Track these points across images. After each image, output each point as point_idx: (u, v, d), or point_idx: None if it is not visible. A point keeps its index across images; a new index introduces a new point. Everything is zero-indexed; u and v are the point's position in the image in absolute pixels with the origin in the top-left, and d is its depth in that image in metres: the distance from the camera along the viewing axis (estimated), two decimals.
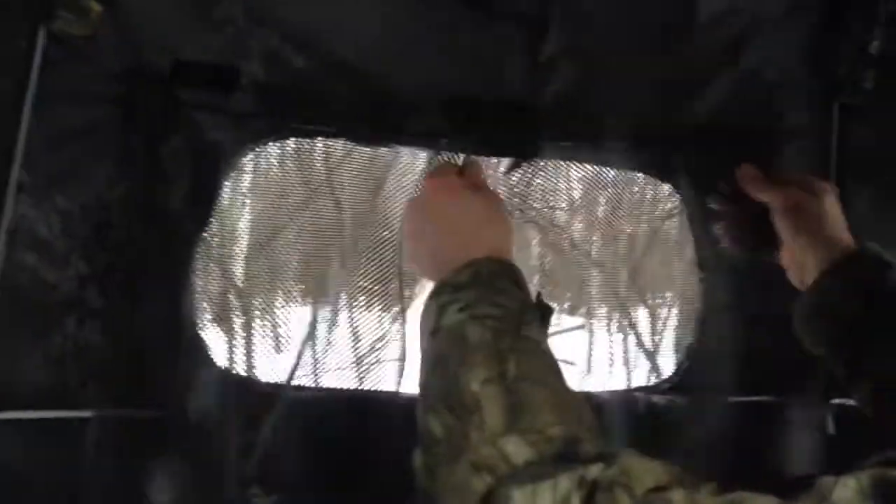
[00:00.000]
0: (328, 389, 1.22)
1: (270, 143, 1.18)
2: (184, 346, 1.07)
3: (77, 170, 1.02)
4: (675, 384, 1.36)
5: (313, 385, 1.14)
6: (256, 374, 1.13)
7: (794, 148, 1.23)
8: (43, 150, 0.99)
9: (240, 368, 1.10)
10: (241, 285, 1.15)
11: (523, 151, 1.29)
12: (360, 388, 1.25)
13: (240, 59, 1.05)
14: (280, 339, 1.20)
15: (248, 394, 1.10)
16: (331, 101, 1.12)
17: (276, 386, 1.12)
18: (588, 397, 1.25)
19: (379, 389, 1.27)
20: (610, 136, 1.22)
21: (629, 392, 1.34)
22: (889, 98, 1.20)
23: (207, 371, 1.09)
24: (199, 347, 1.08)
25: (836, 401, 1.28)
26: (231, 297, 1.17)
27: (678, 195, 1.41)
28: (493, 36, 1.13)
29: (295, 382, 1.13)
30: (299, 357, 1.19)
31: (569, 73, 1.15)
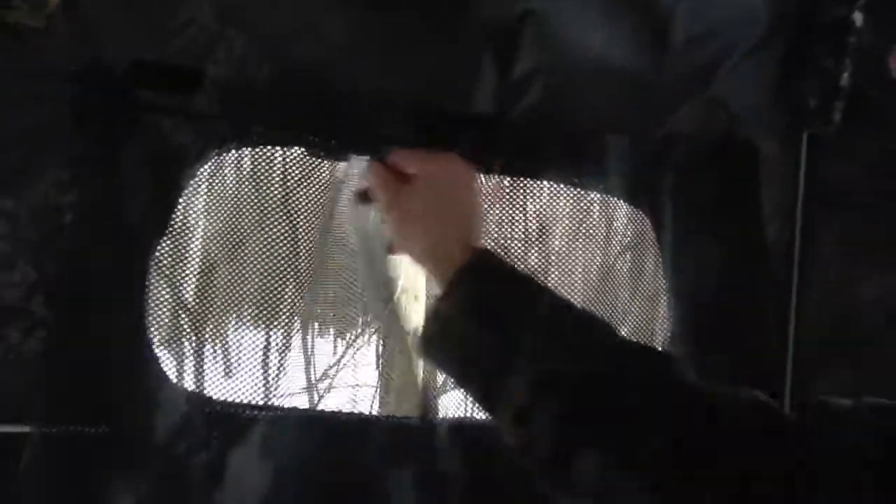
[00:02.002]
0: (285, 409, 1.18)
1: (229, 156, 1.14)
2: (136, 361, 1.02)
3: (26, 171, 0.97)
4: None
5: (269, 405, 1.10)
6: (208, 394, 1.09)
7: (762, 175, 1.23)
8: None
9: (192, 387, 1.06)
10: (192, 307, 1.10)
11: (489, 166, 1.28)
12: (318, 409, 1.21)
13: (203, 62, 1.02)
14: (231, 363, 1.16)
15: (202, 413, 1.05)
16: (294, 107, 1.09)
17: (230, 405, 1.07)
18: None
19: (339, 411, 1.24)
20: (578, 155, 1.21)
21: None
22: (857, 130, 1.21)
23: (160, 388, 1.04)
24: (152, 363, 1.03)
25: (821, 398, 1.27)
26: (182, 318, 1.12)
27: (646, 219, 1.40)
28: (462, 50, 1.12)
29: (248, 402, 1.09)
30: (254, 378, 1.15)
31: (539, 90, 1.14)
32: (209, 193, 1.12)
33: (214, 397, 1.09)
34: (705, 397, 0.88)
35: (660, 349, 0.95)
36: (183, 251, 1.08)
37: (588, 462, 0.86)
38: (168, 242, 1.05)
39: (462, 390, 1.02)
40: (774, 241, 1.23)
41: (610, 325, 0.99)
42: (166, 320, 1.08)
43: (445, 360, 1.00)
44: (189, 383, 1.09)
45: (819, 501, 0.76)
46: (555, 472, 0.91)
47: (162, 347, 1.07)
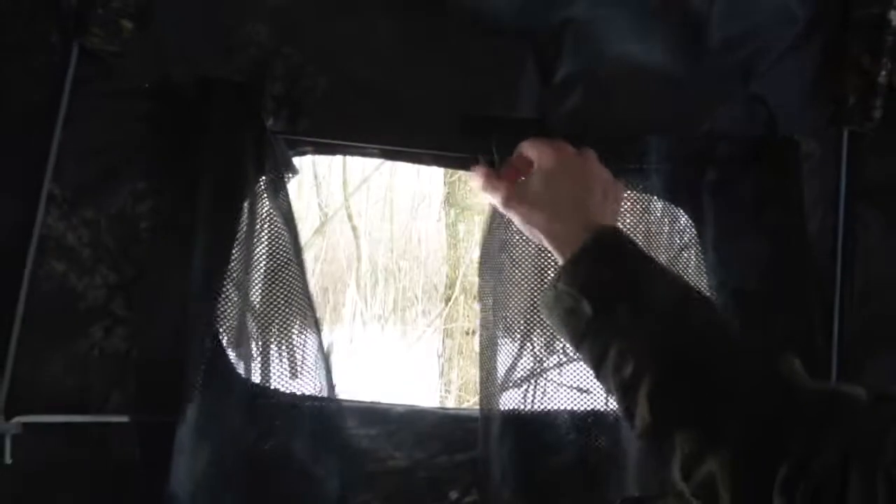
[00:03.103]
0: (345, 400, 1.24)
1: (290, 164, 1.20)
2: (207, 357, 1.09)
3: (105, 183, 1.05)
4: None
5: (329, 397, 1.16)
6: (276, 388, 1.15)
7: (804, 172, 1.24)
8: (73, 163, 1.03)
9: (261, 381, 1.12)
10: (258, 309, 1.17)
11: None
12: (378, 401, 1.27)
13: (263, 78, 1.08)
14: (295, 364, 1.22)
15: (270, 405, 1.12)
16: (350, 118, 1.15)
17: (296, 397, 1.13)
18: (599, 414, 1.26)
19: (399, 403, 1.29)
20: (621, 158, 1.24)
21: None
22: None
23: (230, 381, 1.11)
24: (222, 359, 1.10)
25: None
26: (249, 320, 1.19)
27: (689, 218, 1.42)
28: (505, 57, 1.16)
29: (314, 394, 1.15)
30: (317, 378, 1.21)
31: (579, 94, 1.17)
32: (272, 200, 1.18)
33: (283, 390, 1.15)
34: (806, 394, 0.89)
35: (775, 346, 0.95)
36: (249, 256, 1.13)
37: (681, 438, 0.89)
38: (236, 248, 1.11)
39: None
40: (817, 235, 1.24)
41: (720, 313, 1.00)
42: (235, 322, 1.14)
43: (558, 327, 1.05)
44: (256, 378, 1.15)
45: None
46: (652, 442, 0.95)
47: (231, 346, 1.14)
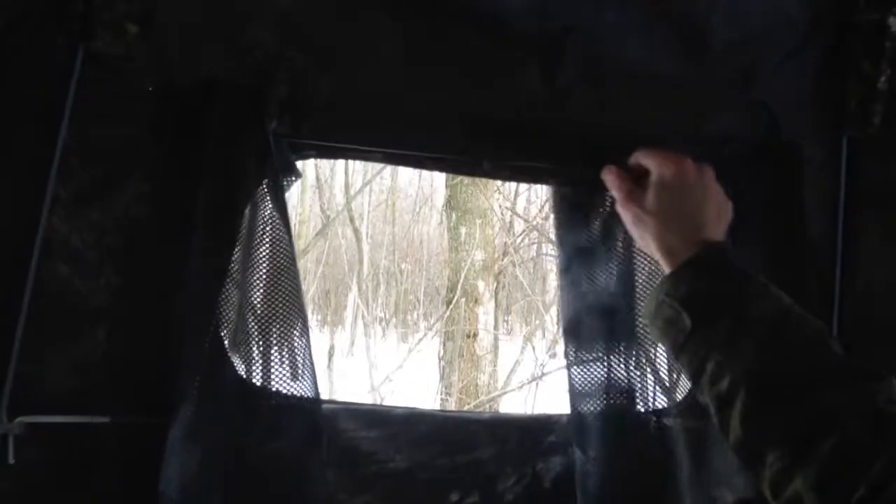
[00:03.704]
0: (349, 403, 1.24)
1: (293, 168, 1.20)
2: (210, 359, 1.10)
3: (110, 184, 1.05)
4: (687, 408, 1.36)
5: (332, 399, 1.16)
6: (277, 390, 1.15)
7: (805, 176, 1.25)
8: (77, 165, 1.03)
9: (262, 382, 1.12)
10: (259, 312, 1.17)
11: (539, 176, 1.31)
12: (380, 404, 1.27)
13: (267, 81, 1.09)
14: (297, 365, 1.22)
15: (271, 406, 1.12)
16: (354, 121, 1.15)
17: (295, 399, 1.14)
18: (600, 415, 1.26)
19: (402, 406, 1.29)
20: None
21: (641, 414, 1.35)
22: None
23: (233, 383, 1.11)
24: (225, 361, 1.10)
25: None
26: (249, 322, 1.20)
27: None
28: (509, 60, 1.16)
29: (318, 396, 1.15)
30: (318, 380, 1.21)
31: (583, 97, 1.17)
32: (274, 203, 1.18)
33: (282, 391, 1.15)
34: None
35: (875, 370, 0.96)
36: (250, 258, 1.14)
37: (772, 456, 0.90)
38: (238, 250, 1.11)
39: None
40: (817, 239, 1.24)
41: (821, 332, 1.01)
42: (234, 324, 1.14)
43: (657, 336, 1.08)
44: (257, 380, 1.15)
45: None
46: (743, 456, 0.97)
47: (233, 348, 1.14)
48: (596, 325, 1.24)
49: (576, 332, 1.24)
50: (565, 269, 1.25)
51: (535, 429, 1.25)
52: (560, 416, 1.26)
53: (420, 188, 10.73)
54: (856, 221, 1.23)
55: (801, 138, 1.21)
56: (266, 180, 1.10)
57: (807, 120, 1.22)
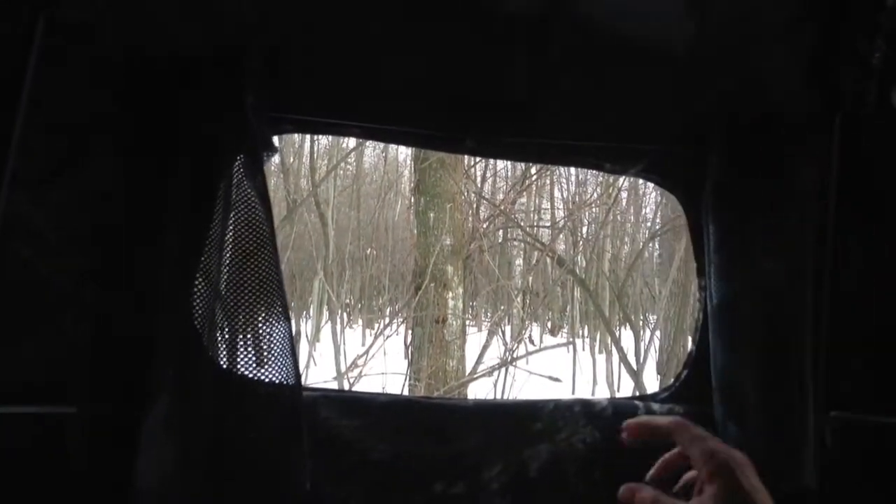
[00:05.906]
0: (328, 390, 1.20)
1: (270, 143, 1.16)
2: (180, 346, 1.05)
3: (74, 162, 0.99)
4: (674, 393, 1.35)
5: (307, 386, 1.12)
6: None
7: (796, 156, 1.23)
8: (39, 141, 0.97)
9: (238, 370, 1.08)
10: (236, 294, 1.13)
11: (523, 152, 1.28)
12: (351, 390, 1.23)
13: (243, 54, 1.04)
14: (262, 352, 1.18)
15: (248, 393, 1.08)
16: (331, 94, 1.11)
17: (273, 386, 1.09)
18: (586, 403, 1.24)
19: (374, 391, 1.25)
20: (611, 139, 1.21)
21: (629, 400, 1.33)
22: (891, 109, 1.20)
23: (204, 370, 1.06)
24: (196, 348, 1.05)
25: (835, 413, 1.26)
26: (227, 305, 1.15)
27: (677, 200, 1.41)
28: (495, 38, 1.13)
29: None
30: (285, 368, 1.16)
31: (572, 75, 1.14)
32: (250, 180, 1.13)
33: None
34: None
35: None
36: (219, 243, 1.09)
37: None
38: (212, 227, 1.06)
39: None
40: (810, 220, 1.22)
41: None
42: (210, 306, 1.10)
43: None
44: (234, 367, 1.11)
45: None
46: None
47: (209, 334, 1.09)
48: None
49: None
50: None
51: (521, 416, 1.22)
52: (546, 402, 1.23)
53: (385, 173, 10.66)
54: (850, 199, 1.21)
55: (796, 117, 1.19)
56: (241, 156, 1.05)
57: (801, 98, 1.20)
